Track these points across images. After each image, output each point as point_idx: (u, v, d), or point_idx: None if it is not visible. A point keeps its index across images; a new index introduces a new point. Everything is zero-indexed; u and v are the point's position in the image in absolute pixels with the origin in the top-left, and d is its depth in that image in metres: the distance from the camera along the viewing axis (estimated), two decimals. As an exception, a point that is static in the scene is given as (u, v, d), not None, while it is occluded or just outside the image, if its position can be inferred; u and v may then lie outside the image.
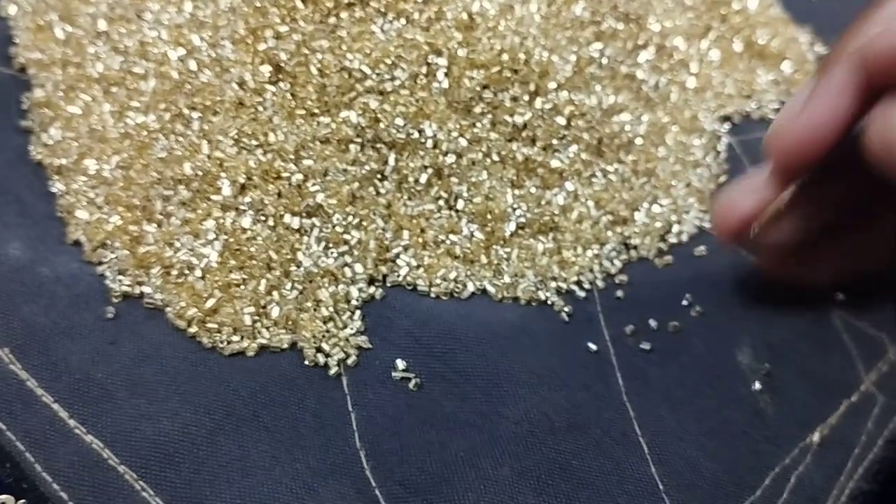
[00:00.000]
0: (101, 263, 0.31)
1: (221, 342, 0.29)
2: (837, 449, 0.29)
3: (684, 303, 0.32)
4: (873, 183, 0.26)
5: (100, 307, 0.29)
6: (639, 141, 0.36)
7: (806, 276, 0.32)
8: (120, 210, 0.31)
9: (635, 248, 0.34)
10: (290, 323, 0.30)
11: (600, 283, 0.33)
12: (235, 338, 0.29)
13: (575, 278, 0.33)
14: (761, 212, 0.30)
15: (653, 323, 0.32)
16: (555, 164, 0.34)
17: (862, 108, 0.26)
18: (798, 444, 0.29)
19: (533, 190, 0.34)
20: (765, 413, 0.30)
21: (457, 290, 0.32)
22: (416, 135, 0.33)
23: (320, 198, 0.31)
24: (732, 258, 0.34)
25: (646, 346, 0.31)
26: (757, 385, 0.30)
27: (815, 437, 0.29)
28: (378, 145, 0.33)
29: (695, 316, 0.32)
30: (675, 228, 0.35)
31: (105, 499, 0.25)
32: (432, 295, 0.32)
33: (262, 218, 0.31)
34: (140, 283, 0.30)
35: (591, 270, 0.33)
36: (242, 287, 0.30)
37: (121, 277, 0.30)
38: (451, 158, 0.33)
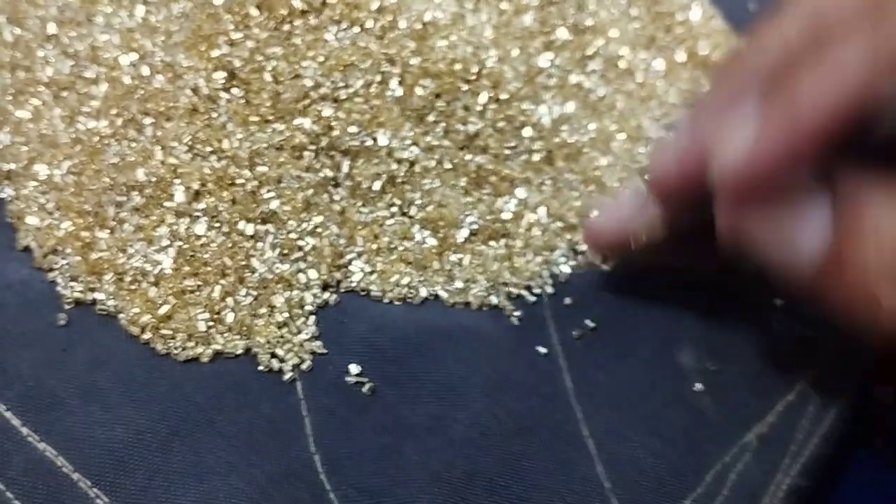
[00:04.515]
0: (52, 270, 0.30)
1: (175, 348, 0.29)
2: (775, 446, 0.30)
3: (629, 306, 0.33)
4: None
5: (51, 314, 0.29)
6: (587, 149, 0.37)
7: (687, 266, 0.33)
8: (71, 216, 0.31)
9: (583, 253, 0.35)
10: (244, 329, 0.30)
11: (550, 289, 0.34)
12: (190, 344, 0.29)
13: (525, 283, 0.33)
14: (622, 232, 0.31)
15: (600, 326, 0.32)
16: (506, 172, 0.35)
17: None
18: (737, 442, 0.30)
19: (485, 197, 0.34)
20: (706, 413, 0.31)
21: (410, 295, 0.32)
22: (370, 142, 0.33)
23: (275, 204, 0.32)
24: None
25: (593, 349, 0.32)
26: (698, 386, 0.31)
27: (754, 435, 0.30)
28: (332, 152, 0.33)
29: (639, 319, 0.33)
30: (622, 234, 0.36)
31: (59, 506, 0.25)
32: (386, 300, 0.32)
33: (217, 224, 0.31)
34: (92, 290, 0.30)
35: (541, 276, 0.34)
36: (196, 293, 0.30)
37: (73, 284, 0.30)
38: (404, 166, 0.33)
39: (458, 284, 0.33)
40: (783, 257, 0.24)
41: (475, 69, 0.35)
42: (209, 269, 0.30)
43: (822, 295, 0.23)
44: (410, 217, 0.33)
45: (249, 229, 0.31)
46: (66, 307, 0.30)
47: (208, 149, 0.32)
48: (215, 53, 0.33)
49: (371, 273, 0.32)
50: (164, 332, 0.29)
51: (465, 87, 0.35)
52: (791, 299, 0.24)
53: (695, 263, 0.32)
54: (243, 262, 0.31)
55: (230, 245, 0.31)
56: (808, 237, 0.23)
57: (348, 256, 0.32)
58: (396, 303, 0.32)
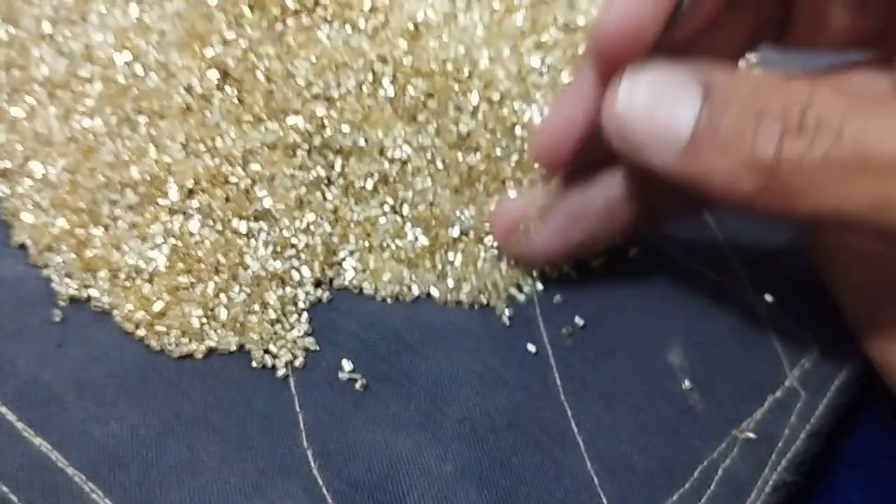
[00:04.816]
0: (47, 267, 0.31)
1: (169, 345, 0.29)
2: (762, 442, 0.31)
3: (619, 304, 0.34)
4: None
5: (46, 310, 0.29)
6: (577, 148, 0.38)
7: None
8: (66, 213, 0.31)
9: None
10: (237, 325, 0.30)
11: (539, 287, 0.34)
12: (184, 340, 0.29)
13: (516, 282, 0.34)
14: (519, 214, 0.31)
15: (589, 324, 0.33)
16: (498, 171, 0.35)
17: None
18: (725, 438, 0.31)
19: (476, 197, 0.35)
20: (694, 410, 0.31)
21: (402, 293, 0.33)
22: (362, 141, 0.33)
23: (268, 202, 0.32)
24: (664, 261, 0.35)
25: (582, 346, 0.32)
26: (687, 383, 0.32)
27: (742, 431, 0.31)
28: (325, 151, 0.33)
29: (629, 317, 0.33)
30: (612, 233, 0.37)
31: (55, 501, 0.25)
32: (378, 298, 0.32)
33: (210, 222, 0.31)
34: (87, 287, 0.30)
35: (531, 274, 0.34)
36: (190, 290, 0.30)
37: (67, 281, 0.30)
38: (396, 165, 0.34)
39: (450, 283, 0.33)
40: (660, 135, 0.24)
41: (467, 69, 0.36)
42: (203, 266, 0.31)
43: (698, 168, 0.24)
44: (402, 216, 0.34)
45: (243, 227, 0.31)
46: (61, 304, 0.30)
47: (202, 147, 0.32)
48: (209, 53, 0.34)
49: (363, 271, 0.33)
50: (158, 328, 0.29)
51: (456, 87, 0.35)
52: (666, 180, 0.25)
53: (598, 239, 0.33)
54: (237, 260, 0.31)
55: (223, 242, 0.31)
56: (683, 113, 0.24)
57: (341, 254, 0.33)
58: (388, 300, 0.32)
